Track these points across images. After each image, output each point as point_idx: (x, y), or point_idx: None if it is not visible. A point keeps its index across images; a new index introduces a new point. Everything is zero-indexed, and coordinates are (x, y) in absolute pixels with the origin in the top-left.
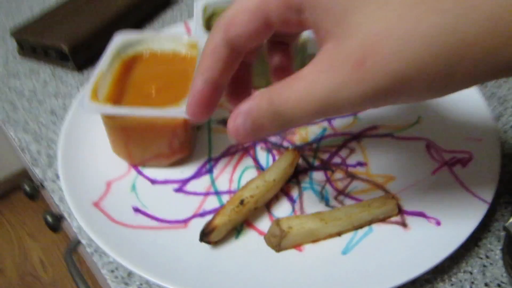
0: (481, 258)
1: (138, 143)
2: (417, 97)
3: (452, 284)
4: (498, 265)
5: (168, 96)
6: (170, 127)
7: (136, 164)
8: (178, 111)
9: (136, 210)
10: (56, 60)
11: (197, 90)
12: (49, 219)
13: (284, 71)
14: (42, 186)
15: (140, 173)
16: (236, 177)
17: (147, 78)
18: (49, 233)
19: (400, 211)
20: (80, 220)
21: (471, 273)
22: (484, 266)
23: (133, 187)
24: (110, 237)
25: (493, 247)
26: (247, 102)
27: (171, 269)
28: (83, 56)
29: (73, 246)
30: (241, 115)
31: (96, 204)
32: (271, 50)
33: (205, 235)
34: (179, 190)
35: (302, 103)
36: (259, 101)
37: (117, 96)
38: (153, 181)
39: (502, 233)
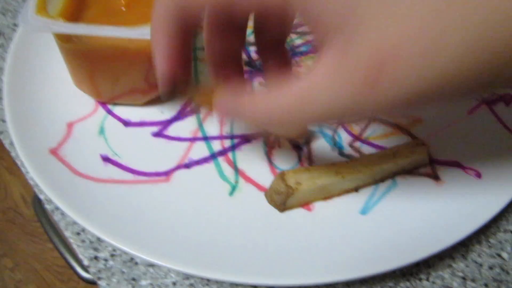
0: None
1: (105, 74)
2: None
3: (490, 246)
4: None
5: (142, 12)
6: (146, 52)
7: (105, 101)
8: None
9: (106, 159)
10: None
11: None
12: None
13: (281, 73)
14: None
15: (109, 112)
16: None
17: None
18: None
19: (431, 161)
20: (33, 171)
21: None
22: None
23: (101, 130)
24: (71, 194)
25: None
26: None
27: (150, 235)
28: None
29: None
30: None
31: (54, 151)
32: (264, 52)
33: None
34: (158, 134)
35: (295, 111)
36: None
37: (75, 11)
38: (127, 123)
39: None
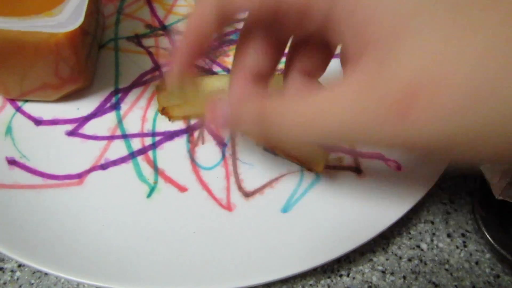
0: (445, 204)
1: (9, 69)
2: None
3: (410, 238)
4: (463, 211)
5: None
6: (49, 45)
7: (13, 97)
8: (51, 23)
9: (12, 162)
10: None
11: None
12: None
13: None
14: None
15: (19, 109)
16: (151, 115)
17: None
18: None
19: (354, 154)
20: None
21: (432, 222)
22: (448, 213)
23: (9, 130)
24: None
25: (459, 189)
26: (232, 90)
27: (59, 245)
28: None
29: None
30: (222, 102)
31: None
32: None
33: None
34: (73, 133)
35: (304, 124)
36: (246, 97)
37: None
38: (38, 121)
39: (470, 172)
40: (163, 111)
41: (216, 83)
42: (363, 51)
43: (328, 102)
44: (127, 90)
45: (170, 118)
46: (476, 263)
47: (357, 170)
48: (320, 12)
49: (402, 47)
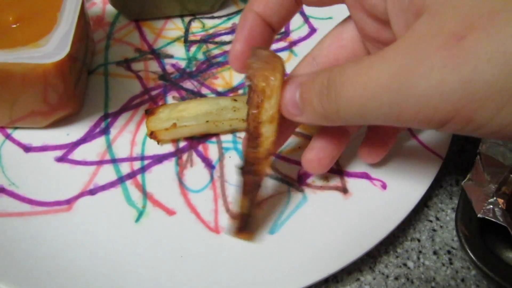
0: (431, 221)
1: None
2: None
3: (397, 256)
4: (449, 228)
5: (33, 30)
6: (37, 74)
7: (3, 125)
8: (37, 54)
9: (0, 190)
10: None
11: (247, 26)
12: None
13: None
14: None
15: (8, 137)
16: (140, 139)
17: (2, 2)
18: None
19: (340, 173)
20: None
21: (419, 240)
22: (434, 230)
23: None
24: None
25: (444, 206)
26: (306, 73)
27: (47, 272)
28: None
29: None
30: (294, 84)
31: None
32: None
33: (148, 112)
34: (62, 159)
35: (358, 79)
36: (316, 76)
37: None
38: (27, 148)
39: (455, 189)
40: (152, 135)
41: (204, 106)
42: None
43: (372, 70)
44: (116, 115)
45: (159, 141)
46: (462, 280)
47: (343, 189)
48: None
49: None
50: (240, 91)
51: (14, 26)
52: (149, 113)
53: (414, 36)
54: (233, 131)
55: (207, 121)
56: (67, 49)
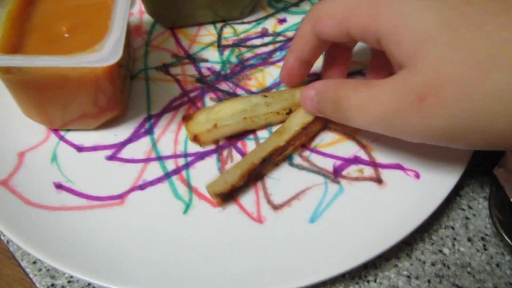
0: (463, 210)
1: (52, 102)
2: (474, 147)
3: (432, 243)
4: (482, 216)
5: (85, 38)
6: (90, 79)
7: (57, 127)
8: (94, 59)
9: (59, 186)
10: None
11: (288, 65)
12: None
13: (338, 69)
14: None
15: (62, 138)
16: (182, 137)
17: (56, 14)
18: None
19: (374, 165)
20: None
21: (453, 228)
22: (467, 218)
23: (54, 157)
24: (23, 224)
25: (476, 195)
26: (322, 82)
27: (106, 260)
28: None
29: None
30: (313, 90)
31: (4, 183)
32: (331, 48)
33: (185, 118)
34: (112, 157)
35: (360, 110)
36: (328, 89)
37: (15, 40)
38: (80, 148)
39: (485, 178)
40: (195, 139)
41: (238, 105)
42: (396, 67)
43: (369, 100)
44: (159, 116)
45: (201, 144)
46: (497, 265)
47: (378, 180)
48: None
49: (419, 60)
50: (273, 91)
51: (67, 35)
52: (186, 119)
53: (396, 87)
54: (268, 125)
55: (244, 118)
56: (120, 54)
